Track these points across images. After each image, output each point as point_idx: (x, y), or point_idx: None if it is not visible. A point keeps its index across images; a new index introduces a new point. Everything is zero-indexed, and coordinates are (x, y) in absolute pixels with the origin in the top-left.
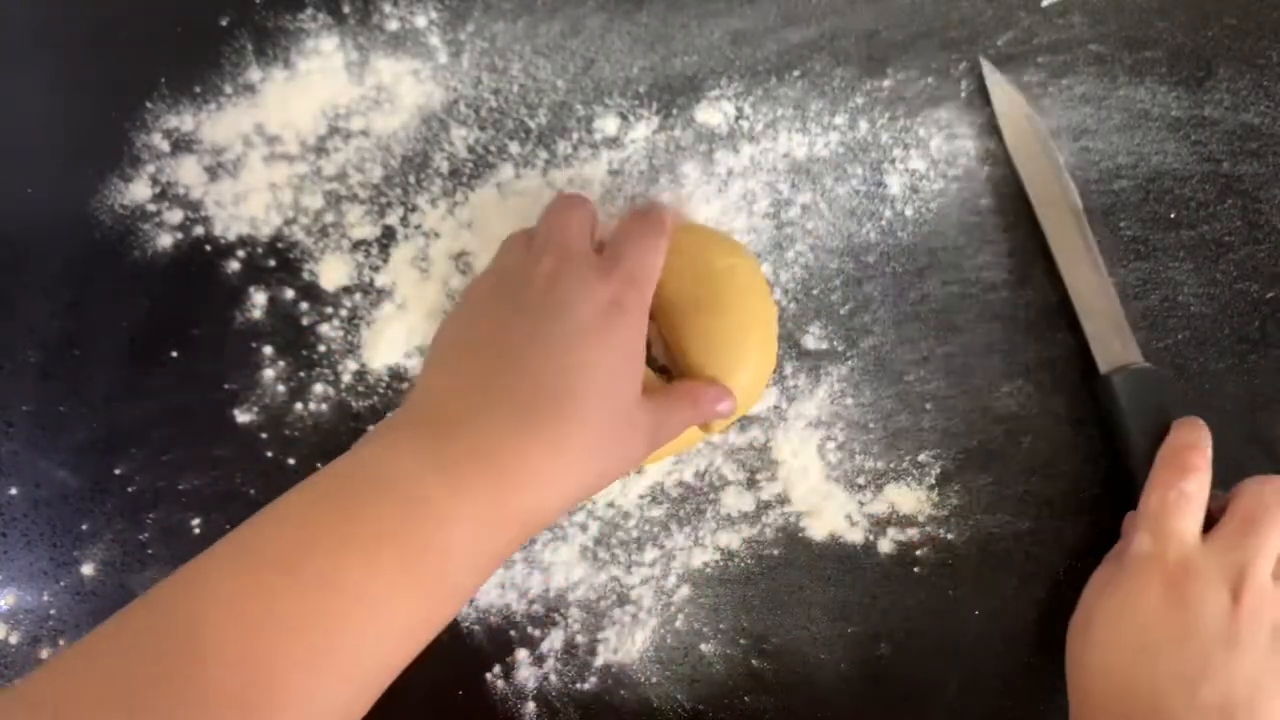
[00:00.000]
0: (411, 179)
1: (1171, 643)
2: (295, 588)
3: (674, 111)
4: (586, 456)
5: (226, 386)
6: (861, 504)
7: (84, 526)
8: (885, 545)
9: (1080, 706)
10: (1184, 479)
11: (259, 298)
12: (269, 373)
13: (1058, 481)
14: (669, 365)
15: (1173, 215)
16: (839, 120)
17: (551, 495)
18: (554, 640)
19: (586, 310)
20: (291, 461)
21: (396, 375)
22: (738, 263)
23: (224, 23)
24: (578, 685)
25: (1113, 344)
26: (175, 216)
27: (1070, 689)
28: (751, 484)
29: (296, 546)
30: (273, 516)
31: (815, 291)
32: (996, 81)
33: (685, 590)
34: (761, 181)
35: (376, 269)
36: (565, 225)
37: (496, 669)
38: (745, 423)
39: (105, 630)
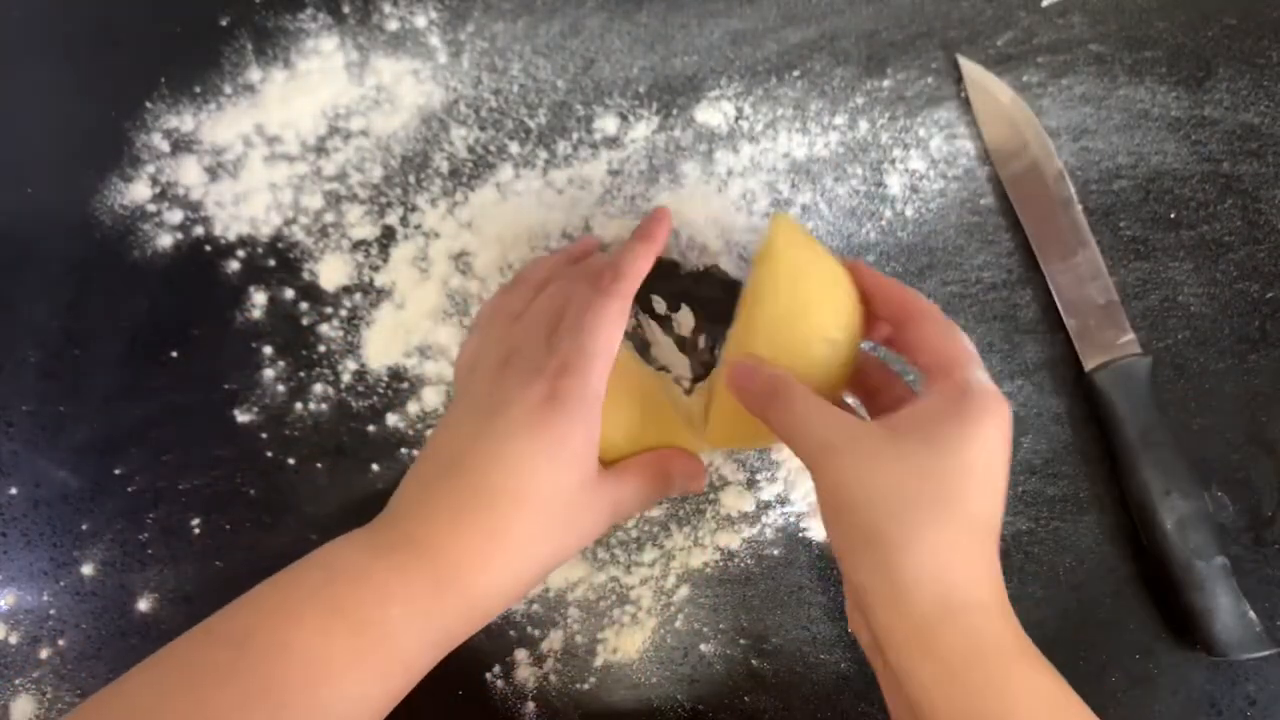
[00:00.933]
0: (411, 179)
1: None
2: (245, 659)
3: (674, 111)
4: (530, 541)
5: (226, 386)
6: None
7: (84, 526)
8: None
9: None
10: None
11: (259, 298)
12: (269, 373)
13: (1058, 481)
14: (670, 366)
15: (1173, 215)
16: (839, 120)
17: (498, 577)
18: (554, 640)
19: (521, 409)
20: (291, 461)
21: (396, 375)
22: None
23: (224, 23)
24: (577, 685)
25: (1093, 340)
26: (175, 216)
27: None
28: (751, 484)
29: (247, 625)
30: (224, 611)
31: None
32: (973, 76)
33: (685, 590)
34: (761, 181)
35: (376, 269)
36: (520, 313)
37: (496, 669)
38: None
39: None
